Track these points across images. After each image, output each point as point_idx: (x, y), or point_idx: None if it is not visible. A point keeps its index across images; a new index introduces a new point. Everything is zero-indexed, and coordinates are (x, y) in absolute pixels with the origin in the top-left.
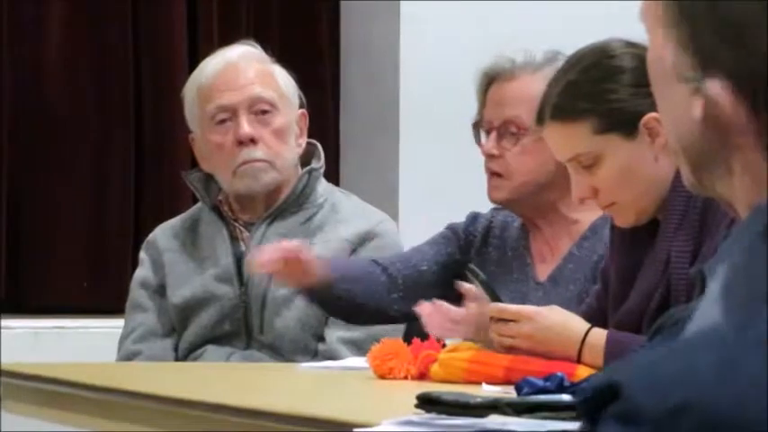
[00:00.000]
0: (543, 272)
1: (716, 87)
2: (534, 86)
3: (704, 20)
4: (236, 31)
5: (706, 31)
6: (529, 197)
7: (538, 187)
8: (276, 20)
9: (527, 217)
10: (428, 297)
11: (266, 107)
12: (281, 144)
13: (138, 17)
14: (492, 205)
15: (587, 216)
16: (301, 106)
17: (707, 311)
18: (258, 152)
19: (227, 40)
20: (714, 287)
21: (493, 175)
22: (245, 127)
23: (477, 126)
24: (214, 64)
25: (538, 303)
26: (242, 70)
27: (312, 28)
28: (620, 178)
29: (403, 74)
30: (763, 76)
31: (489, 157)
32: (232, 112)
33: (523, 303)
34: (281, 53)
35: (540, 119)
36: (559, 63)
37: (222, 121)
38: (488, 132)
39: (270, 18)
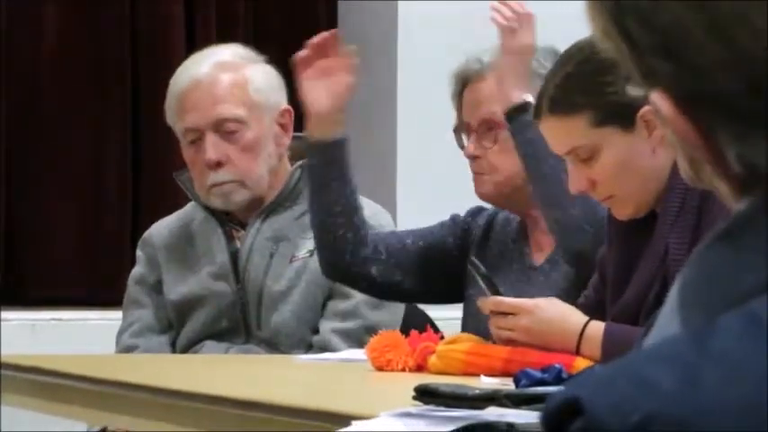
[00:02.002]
0: (540, 257)
1: (658, 99)
2: None
3: (638, 35)
4: (235, 28)
5: (641, 45)
6: (515, 192)
7: (522, 181)
8: (274, 16)
9: (521, 212)
10: (409, 267)
11: (233, 127)
12: (250, 160)
13: (135, 15)
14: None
15: None
16: (288, 101)
17: (666, 320)
18: (226, 175)
19: (225, 39)
20: (673, 295)
21: (477, 174)
22: (210, 152)
23: (458, 131)
24: (182, 80)
25: (540, 287)
26: (208, 89)
27: (309, 23)
28: (618, 171)
29: (400, 68)
30: (698, 89)
31: (472, 158)
32: (199, 134)
33: (526, 290)
34: (279, 49)
35: (537, 112)
36: None
37: (193, 141)
38: (469, 134)
39: (268, 15)
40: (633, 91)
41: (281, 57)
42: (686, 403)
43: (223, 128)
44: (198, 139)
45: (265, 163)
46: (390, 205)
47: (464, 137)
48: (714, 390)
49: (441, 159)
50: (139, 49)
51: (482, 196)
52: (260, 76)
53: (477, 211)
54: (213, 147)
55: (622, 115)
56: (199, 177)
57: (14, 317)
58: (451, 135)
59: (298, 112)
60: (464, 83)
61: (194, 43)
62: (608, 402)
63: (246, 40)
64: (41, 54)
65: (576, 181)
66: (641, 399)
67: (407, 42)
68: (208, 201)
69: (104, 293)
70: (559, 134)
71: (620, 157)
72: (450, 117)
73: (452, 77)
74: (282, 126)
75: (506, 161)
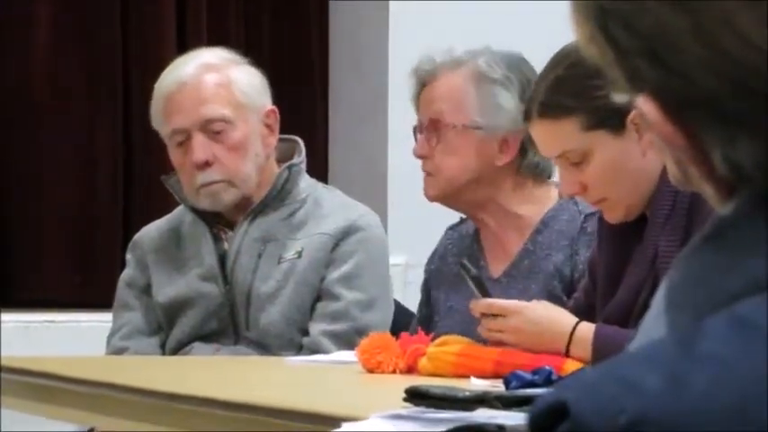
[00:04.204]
0: (497, 269)
1: (644, 103)
2: (454, 83)
3: (623, 39)
4: (226, 31)
5: (626, 49)
6: (462, 192)
7: (468, 182)
8: (265, 17)
9: (470, 213)
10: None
11: (219, 127)
12: (238, 159)
13: (127, 16)
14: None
15: (531, 210)
16: (274, 101)
17: (653, 322)
18: (214, 174)
19: (216, 40)
20: (659, 298)
21: (426, 176)
22: (198, 152)
23: (415, 131)
24: (167, 83)
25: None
26: (192, 90)
27: (301, 25)
28: (609, 174)
29: (391, 68)
30: (684, 93)
31: (420, 158)
32: (186, 135)
33: None
34: (271, 50)
35: (527, 116)
36: (481, 59)
37: (180, 144)
38: (421, 134)
39: (259, 15)
40: (617, 98)
41: (273, 57)
42: (673, 405)
43: (210, 128)
44: (185, 140)
45: (253, 162)
46: (381, 206)
47: (419, 137)
48: (701, 392)
49: None
50: (131, 48)
51: (430, 199)
52: (244, 77)
53: (431, 255)
54: (201, 147)
55: (613, 119)
56: (187, 179)
57: (10, 319)
58: None
59: (282, 114)
60: (422, 82)
61: (185, 44)
62: (594, 405)
63: (237, 41)
64: (32, 55)
65: (567, 184)
66: (628, 401)
67: (399, 42)
68: (197, 202)
69: (96, 296)
70: (550, 138)
71: (610, 161)
72: None
73: (411, 79)
74: (268, 126)
75: (448, 161)
